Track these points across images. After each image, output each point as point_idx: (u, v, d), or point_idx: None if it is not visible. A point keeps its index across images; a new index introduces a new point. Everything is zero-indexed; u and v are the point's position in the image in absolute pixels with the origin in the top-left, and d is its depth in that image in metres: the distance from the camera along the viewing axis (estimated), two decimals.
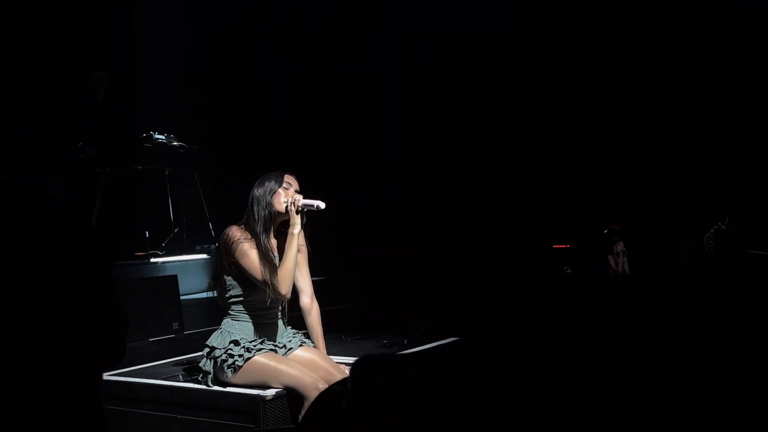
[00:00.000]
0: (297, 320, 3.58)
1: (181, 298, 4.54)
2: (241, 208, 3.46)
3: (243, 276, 3.35)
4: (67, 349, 1.42)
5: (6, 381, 1.34)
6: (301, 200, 3.38)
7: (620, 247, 3.41)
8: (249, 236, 3.35)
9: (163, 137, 5.31)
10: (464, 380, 1.31)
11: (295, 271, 3.36)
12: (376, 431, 1.24)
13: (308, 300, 3.52)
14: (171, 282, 4.44)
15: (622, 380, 1.33)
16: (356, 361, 1.36)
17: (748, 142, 5.07)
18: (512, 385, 1.35)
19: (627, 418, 1.32)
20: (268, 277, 3.28)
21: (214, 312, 3.69)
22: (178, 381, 3.50)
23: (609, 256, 3.39)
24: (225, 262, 3.37)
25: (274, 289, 3.29)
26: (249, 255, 3.30)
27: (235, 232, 3.35)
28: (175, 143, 5.37)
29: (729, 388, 1.30)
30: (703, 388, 1.31)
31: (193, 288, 5.03)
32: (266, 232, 3.38)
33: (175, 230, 5.35)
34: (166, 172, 5.37)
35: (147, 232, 5.21)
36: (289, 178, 3.45)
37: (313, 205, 3.37)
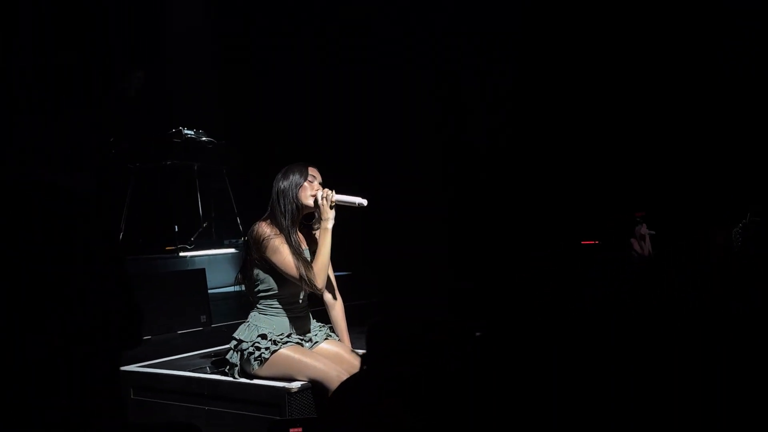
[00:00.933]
0: (321, 314, 3.60)
1: (209, 291, 4.59)
2: (267, 204, 3.47)
3: (273, 271, 3.36)
4: (71, 346, 1.43)
5: (6, 380, 1.36)
6: (335, 195, 3.38)
7: (643, 230, 3.33)
8: (278, 231, 3.36)
9: (192, 133, 5.38)
10: (462, 374, 1.32)
11: (329, 265, 3.38)
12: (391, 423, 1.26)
13: (331, 295, 3.54)
14: (199, 276, 4.48)
15: (621, 380, 1.32)
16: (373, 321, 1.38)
17: None
18: (512, 383, 1.35)
19: (627, 418, 1.31)
20: (303, 272, 3.30)
21: (242, 305, 3.73)
22: (206, 373, 3.54)
23: (632, 240, 3.33)
24: (255, 257, 3.39)
25: (311, 283, 3.30)
26: (281, 251, 3.32)
27: (265, 228, 3.37)
28: (203, 139, 5.44)
29: (729, 387, 1.29)
30: (703, 387, 1.30)
31: (221, 282, 5.08)
32: (294, 226, 3.40)
33: (204, 225, 5.41)
34: (195, 168, 5.44)
35: (176, 227, 5.28)
36: (312, 171, 3.45)
37: (354, 203, 3.36)
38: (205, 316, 4.32)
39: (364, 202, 3.38)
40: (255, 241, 3.36)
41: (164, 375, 3.56)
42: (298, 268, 3.30)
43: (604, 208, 5.33)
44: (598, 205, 5.46)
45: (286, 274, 3.32)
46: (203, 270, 4.56)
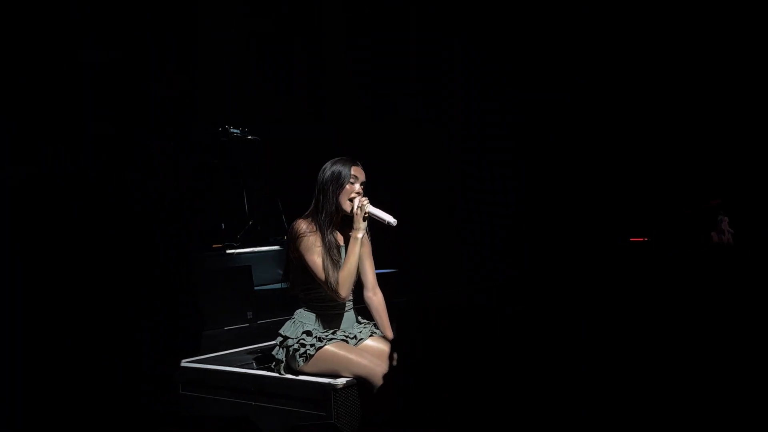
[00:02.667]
0: (364, 311, 3.61)
1: (255, 288, 4.63)
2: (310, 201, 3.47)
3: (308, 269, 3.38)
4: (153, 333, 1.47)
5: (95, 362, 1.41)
6: (369, 207, 3.36)
7: (725, 224, 3.21)
8: (314, 229, 3.36)
9: (238, 131, 5.43)
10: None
11: (355, 274, 3.37)
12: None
13: (371, 293, 3.53)
14: (245, 273, 4.53)
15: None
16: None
17: None
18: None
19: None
20: (329, 277, 3.30)
21: (287, 302, 3.75)
22: (252, 369, 3.58)
23: (712, 233, 3.22)
24: (291, 256, 3.41)
25: (334, 290, 3.31)
26: (312, 252, 3.32)
27: (301, 226, 3.37)
28: (249, 137, 5.48)
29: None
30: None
31: (267, 279, 5.11)
32: (331, 225, 3.39)
33: (250, 222, 5.46)
34: (241, 165, 5.49)
35: (223, 224, 5.33)
36: (356, 170, 3.42)
37: (384, 220, 3.35)
38: (251, 313, 4.36)
39: (394, 222, 3.35)
40: (291, 238, 3.38)
41: (212, 371, 3.61)
42: (324, 271, 3.29)
43: (653, 203, 5.22)
44: (647, 199, 5.35)
45: (314, 275, 3.33)
46: (249, 267, 4.60)
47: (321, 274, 3.31)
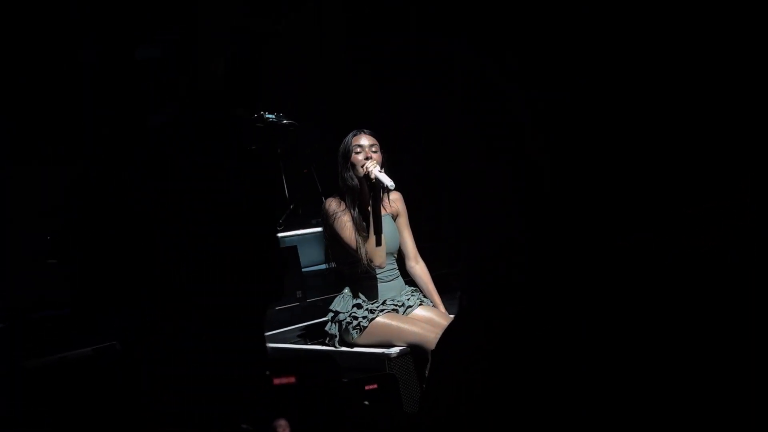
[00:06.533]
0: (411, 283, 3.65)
1: (302, 270, 4.70)
2: None
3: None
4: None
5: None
6: (375, 172, 3.33)
7: None
8: (344, 206, 3.42)
9: (273, 116, 5.48)
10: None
11: (383, 241, 3.39)
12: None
13: (412, 262, 3.58)
14: (292, 253, 4.60)
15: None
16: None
17: None
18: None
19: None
20: (362, 250, 3.35)
21: (333, 281, 3.82)
22: (307, 345, 3.66)
23: None
24: (327, 235, 3.47)
25: (369, 262, 3.36)
26: (345, 228, 3.38)
27: (331, 204, 3.44)
28: (285, 121, 5.54)
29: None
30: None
31: (312, 260, 5.19)
32: (357, 200, 3.43)
33: (291, 206, 5.53)
34: (279, 150, 5.55)
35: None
36: (358, 139, 3.43)
37: (383, 183, 3.31)
38: (300, 292, 4.43)
39: (392, 185, 3.31)
40: (324, 219, 3.45)
41: (269, 348, 3.69)
42: (357, 245, 3.34)
43: (653, 203, 5.16)
44: (647, 199, 5.29)
45: (350, 249, 3.38)
46: (295, 247, 4.68)
47: (355, 250, 3.37)
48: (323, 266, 5.05)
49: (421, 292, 3.60)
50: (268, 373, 1.70)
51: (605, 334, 1.35)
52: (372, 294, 3.47)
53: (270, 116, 5.44)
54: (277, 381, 1.73)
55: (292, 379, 1.74)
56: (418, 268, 3.59)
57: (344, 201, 3.43)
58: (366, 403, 2.20)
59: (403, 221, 3.58)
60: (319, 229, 5.54)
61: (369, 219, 3.38)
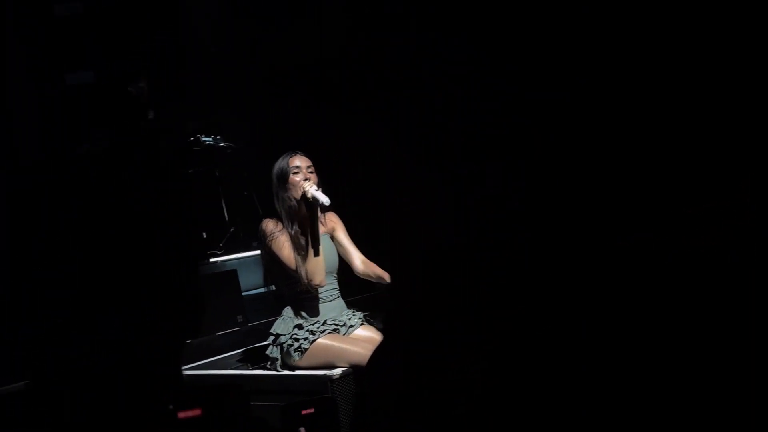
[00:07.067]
0: (351, 305, 3.64)
1: (243, 294, 4.64)
2: None
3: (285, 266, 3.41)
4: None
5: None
6: (312, 191, 3.34)
7: None
8: (281, 226, 3.41)
9: (210, 139, 5.43)
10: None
11: (322, 259, 3.38)
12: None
13: (360, 264, 3.55)
14: (232, 276, 4.55)
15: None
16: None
17: None
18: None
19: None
20: (302, 269, 3.34)
21: (275, 304, 3.78)
22: (248, 369, 3.61)
23: None
24: (266, 257, 3.45)
25: (309, 281, 3.35)
26: (284, 248, 3.36)
27: (268, 225, 3.42)
28: (222, 144, 5.49)
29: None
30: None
31: (253, 284, 5.13)
32: (295, 221, 3.42)
33: (231, 230, 5.47)
34: (216, 173, 5.49)
35: (204, 234, 5.34)
36: (293, 161, 3.43)
37: (319, 200, 3.31)
38: (241, 316, 4.38)
39: (327, 201, 3.30)
40: (261, 240, 3.43)
41: (208, 375, 3.63)
42: (296, 265, 3.33)
43: (652, 203, 5.26)
44: (647, 199, 5.39)
45: (289, 270, 3.36)
46: (235, 270, 4.62)
47: (294, 268, 3.35)
48: (263, 290, 5.02)
49: (364, 313, 3.57)
50: (171, 407, 1.66)
51: (605, 334, 1.35)
52: (313, 313, 3.45)
53: (207, 139, 5.39)
54: (182, 415, 1.69)
55: (198, 412, 1.70)
56: (368, 265, 3.56)
57: (281, 221, 3.42)
58: (302, 429, 2.17)
59: (342, 234, 3.58)
60: (259, 251, 5.51)
61: (308, 237, 3.37)
